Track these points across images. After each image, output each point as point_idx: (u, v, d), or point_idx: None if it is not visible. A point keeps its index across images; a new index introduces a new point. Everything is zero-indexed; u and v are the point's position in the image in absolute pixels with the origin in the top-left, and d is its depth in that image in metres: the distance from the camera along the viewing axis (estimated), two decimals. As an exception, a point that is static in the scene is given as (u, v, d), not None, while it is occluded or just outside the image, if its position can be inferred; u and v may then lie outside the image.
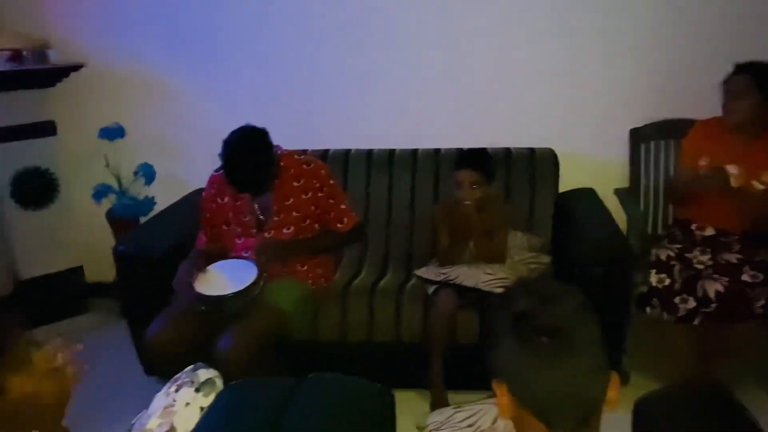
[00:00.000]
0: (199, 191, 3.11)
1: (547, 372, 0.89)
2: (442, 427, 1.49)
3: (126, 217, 3.13)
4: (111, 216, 3.19)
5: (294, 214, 2.37)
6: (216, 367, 1.68)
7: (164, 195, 3.16)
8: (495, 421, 1.43)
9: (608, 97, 2.96)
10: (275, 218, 2.37)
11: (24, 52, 2.81)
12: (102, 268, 3.35)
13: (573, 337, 0.90)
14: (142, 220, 3.17)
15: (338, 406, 1.33)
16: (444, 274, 2.39)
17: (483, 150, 2.56)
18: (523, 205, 2.82)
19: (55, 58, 2.88)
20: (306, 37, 3.04)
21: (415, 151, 2.99)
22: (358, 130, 3.10)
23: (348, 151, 3.02)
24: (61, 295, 3.11)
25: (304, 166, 2.39)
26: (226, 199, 2.42)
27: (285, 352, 2.41)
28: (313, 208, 2.38)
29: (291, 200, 2.36)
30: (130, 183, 3.18)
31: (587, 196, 2.87)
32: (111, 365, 2.84)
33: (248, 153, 2.19)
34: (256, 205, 2.39)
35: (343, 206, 2.44)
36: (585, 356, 0.90)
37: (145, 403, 2.52)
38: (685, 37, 2.85)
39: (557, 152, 2.88)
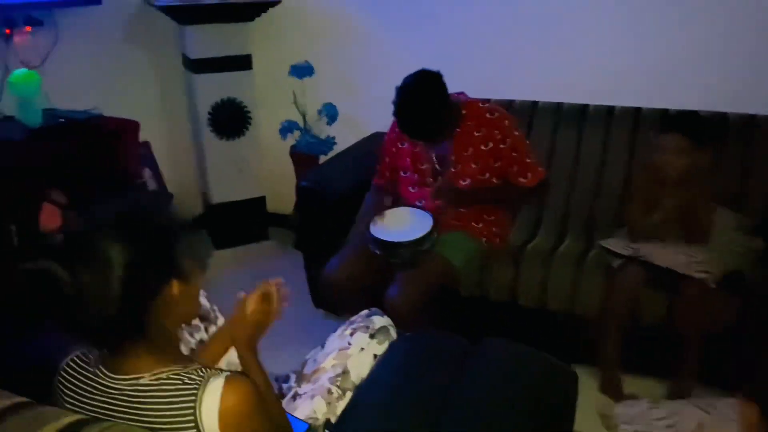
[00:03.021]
0: (377, 135, 3.12)
1: None
2: (635, 422, 1.33)
3: (307, 153, 3.21)
4: (294, 151, 3.29)
5: (472, 165, 2.26)
6: (386, 311, 1.67)
7: (344, 135, 3.20)
8: (701, 428, 1.25)
9: None
10: (452, 169, 2.28)
11: (229, -14, 2.92)
12: (282, 200, 3.51)
13: None
14: (322, 158, 3.24)
15: (518, 379, 1.23)
16: (633, 248, 2.16)
17: (694, 113, 2.24)
18: (734, 180, 2.46)
19: (256, -8, 2.97)
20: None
21: (611, 108, 2.71)
22: (548, 81, 2.87)
23: (535, 102, 2.82)
24: (244, 222, 3.29)
25: (487, 115, 2.25)
26: (405, 144, 2.36)
27: (453, 306, 2.36)
28: (492, 160, 2.25)
29: (470, 150, 2.25)
30: (314, 121, 3.24)
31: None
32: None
33: (420, 98, 2.10)
34: (433, 155, 2.31)
35: (528, 160, 2.28)
36: None
37: (309, 333, 2.64)
38: None
39: (786, 121, 2.45)
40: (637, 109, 2.67)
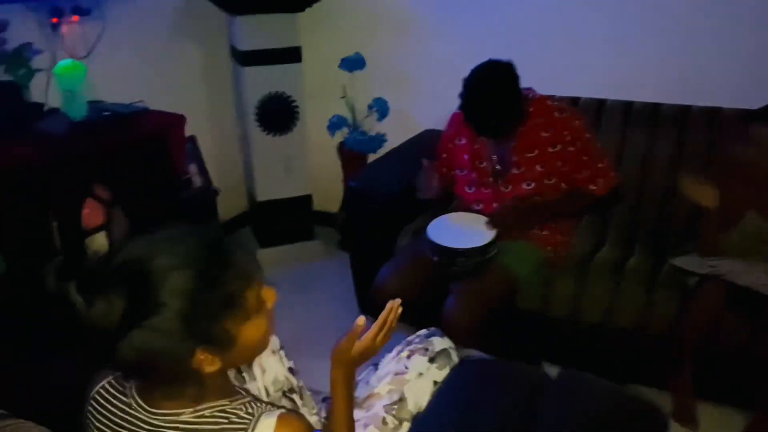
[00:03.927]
0: (429, 132, 2.98)
1: None
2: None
3: (356, 151, 3.08)
4: (342, 149, 3.17)
5: (537, 168, 2.09)
6: (441, 327, 1.53)
7: (394, 132, 3.06)
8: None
9: None
10: (515, 170, 2.11)
11: (280, -25, 2.80)
12: (329, 199, 3.41)
13: None
14: (371, 156, 3.11)
15: (602, 425, 1.07)
16: (711, 266, 1.95)
17: None
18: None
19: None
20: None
21: (687, 108, 2.50)
22: (615, 78, 2.67)
23: (603, 101, 2.63)
24: (290, 220, 3.19)
25: (556, 114, 2.07)
26: (463, 140, 2.21)
27: (507, 320, 2.20)
28: (560, 163, 2.08)
29: (535, 152, 2.08)
30: (363, 117, 3.11)
31: None
32: (328, 295, 2.90)
33: (491, 89, 1.94)
34: (494, 155, 2.15)
35: (600, 165, 2.09)
36: None
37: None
38: None
39: None
40: (716, 109, 2.46)
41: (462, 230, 2.03)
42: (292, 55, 2.93)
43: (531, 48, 2.69)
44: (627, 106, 2.58)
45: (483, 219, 2.08)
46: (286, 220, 3.19)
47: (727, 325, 1.96)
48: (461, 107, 1.99)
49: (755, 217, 1.93)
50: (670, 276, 2.12)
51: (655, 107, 2.54)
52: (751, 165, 1.90)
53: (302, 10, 2.90)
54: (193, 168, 2.74)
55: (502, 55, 1.99)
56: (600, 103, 2.62)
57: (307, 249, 3.25)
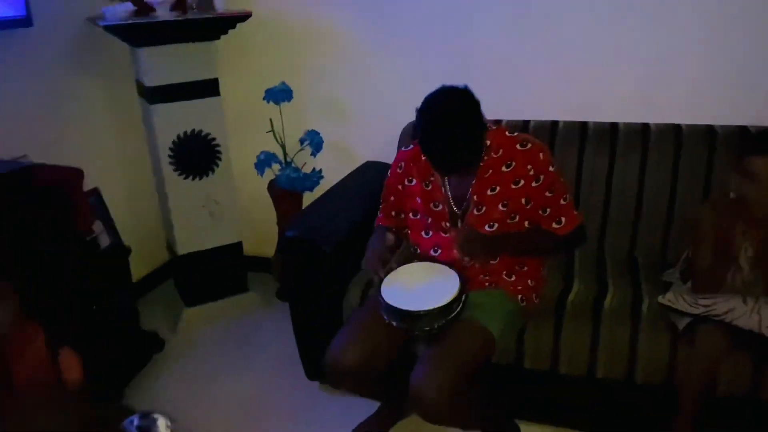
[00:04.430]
0: (371, 164, 2.69)
1: None
2: None
3: (290, 190, 2.75)
4: (273, 188, 2.84)
5: (500, 207, 1.83)
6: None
7: (332, 167, 2.76)
8: None
9: None
10: (475, 211, 1.85)
11: (189, 0, 2.46)
12: (262, 242, 3.09)
13: None
14: (307, 194, 2.79)
15: None
16: (705, 306, 1.74)
17: None
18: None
19: (221, 6, 2.51)
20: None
21: (645, 126, 2.32)
22: (567, 99, 2.48)
23: (556, 123, 2.42)
24: (219, 273, 2.82)
25: (518, 147, 1.82)
26: (414, 181, 1.93)
27: (481, 377, 1.92)
28: (523, 201, 1.83)
29: (497, 189, 1.82)
30: (295, 152, 2.79)
31: None
32: (270, 353, 2.59)
33: (451, 118, 1.65)
34: (449, 193, 1.88)
35: (563, 201, 1.85)
36: None
37: (303, 409, 2.20)
38: None
39: None
40: (677, 126, 2.29)
41: (421, 286, 1.74)
42: (208, 88, 2.58)
43: (476, 70, 2.46)
44: (582, 127, 2.38)
45: (443, 269, 1.80)
46: (215, 272, 2.82)
47: (727, 367, 1.75)
48: (419, 141, 1.71)
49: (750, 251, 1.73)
50: (655, 314, 1.90)
51: (613, 127, 2.35)
52: (749, 202, 1.70)
53: (217, 38, 2.57)
54: (98, 226, 2.33)
55: (445, 79, 1.72)
56: (553, 126, 2.41)
57: (241, 302, 2.89)
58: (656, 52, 2.35)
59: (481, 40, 2.53)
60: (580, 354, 1.90)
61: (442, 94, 1.69)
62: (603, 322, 1.90)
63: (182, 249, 2.73)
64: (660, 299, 1.87)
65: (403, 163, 1.95)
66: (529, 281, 1.92)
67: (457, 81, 1.73)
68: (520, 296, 1.88)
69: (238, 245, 2.86)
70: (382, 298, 1.71)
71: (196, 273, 2.78)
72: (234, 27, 2.56)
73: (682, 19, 2.29)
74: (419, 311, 1.65)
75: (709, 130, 2.24)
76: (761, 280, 1.73)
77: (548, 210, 1.85)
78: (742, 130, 2.21)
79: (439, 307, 1.65)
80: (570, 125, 2.40)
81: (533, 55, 2.49)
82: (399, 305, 1.67)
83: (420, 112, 1.69)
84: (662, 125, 2.31)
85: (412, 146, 1.96)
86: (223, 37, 2.59)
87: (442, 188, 1.89)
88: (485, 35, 2.52)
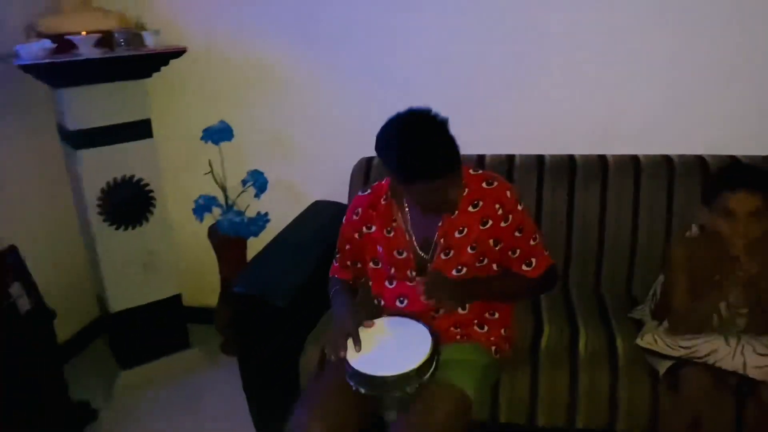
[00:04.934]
0: (321, 204, 2.54)
1: None
2: None
3: (233, 236, 2.56)
4: (215, 234, 2.63)
5: (468, 250, 1.71)
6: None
7: (278, 209, 2.60)
8: None
9: None
10: (442, 256, 1.72)
11: (116, 35, 2.26)
12: (204, 291, 2.88)
13: None
14: (252, 240, 2.60)
15: None
16: (686, 348, 1.66)
17: (741, 163, 1.83)
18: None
19: (151, 41, 2.31)
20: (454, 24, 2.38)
21: (602, 158, 2.27)
22: (523, 132, 2.41)
23: (512, 157, 2.34)
24: (157, 330, 2.58)
25: (484, 185, 1.71)
26: (374, 228, 1.78)
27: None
28: (492, 242, 1.71)
29: (465, 231, 1.70)
30: (237, 194, 2.60)
31: None
32: (219, 413, 2.39)
33: (429, 125, 1.53)
34: (414, 238, 1.75)
35: (533, 242, 1.75)
36: None
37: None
38: None
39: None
40: (633, 157, 2.25)
41: (389, 345, 1.58)
42: (140, 130, 2.38)
43: (424, 102, 2.35)
44: (539, 160, 2.31)
45: (411, 323, 1.65)
46: (152, 329, 2.57)
47: (709, 408, 1.65)
48: (397, 155, 1.53)
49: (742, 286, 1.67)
50: (632, 357, 1.81)
51: (571, 159, 2.29)
52: (725, 239, 1.63)
53: (149, 75, 2.37)
54: (16, 288, 2.07)
55: (392, 111, 1.59)
56: (509, 159, 2.33)
57: (183, 360, 2.66)
58: (611, 82, 2.31)
59: (428, 70, 2.43)
60: (559, 404, 1.78)
61: (410, 112, 1.56)
62: (581, 369, 1.79)
63: (115, 306, 2.48)
64: (639, 342, 1.78)
65: (360, 209, 1.81)
66: (502, 330, 1.80)
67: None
68: (493, 348, 1.75)
69: (177, 298, 2.63)
70: (348, 363, 1.54)
71: (131, 331, 2.54)
72: (167, 64, 2.37)
73: (635, 49, 2.26)
74: (391, 375, 1.48)
75: (666, 159, 2.21)
76: (741, 319, 1.66)
77: (518, 251, 1.74)
78: (699, 159, 2.19)
79: (413, 369, 1.50)
80: (526, 159, 2.32)
81: (485, 86, 2.41)
82: (367, 370, 1.50)
83: (388, 134, 1.55)
84: (619, 156, 2.27)
85: (369, 191, 1.82)
86: (155, 74, 2.39)
87: (406, 234, 1.75)
88: (433, 65, 2.43)
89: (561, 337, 1.95)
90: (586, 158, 2.28)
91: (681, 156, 2.21)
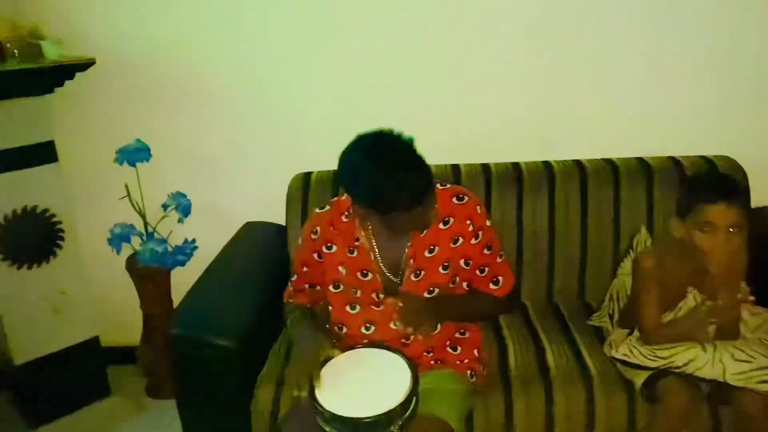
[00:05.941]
0: (253, 225, 2.34)
1: None
2: None
3: (156, 266, 2.30)
4: (134, 266, 2.36)
5: (440, 270, 1.60)
6: None
7: (206, 234, 2.38)
8: None
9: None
10: (412, 277, 1.60)
11: (8, 45, 1.95)
12: (123, 329, 2.59)
13: None
14: (178, 270, 2.36)
15: None
16: (664, 359, 1.63)
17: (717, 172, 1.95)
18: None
19: (53, 52, 2.02)
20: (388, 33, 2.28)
21: (547, 164, 2.24)
22: (468, 142, 2.35)
23: (456, 166, 2.25)
24: (70, 380, 2.27)
25: (454, 201, 1.61)
26: (335, 247, 1.63)
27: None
28: (462, 262, 1.61)
29: (436, 250, 1.59)
30: (158, 220, 2.35)
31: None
32: None
33: (400, 146, 1.41)
34: (380, 259, 1.61)
35: (499, 259, 1.67)
36: None
37: None
38: None
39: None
40: (577, 162, 2.24)
41: (364, 380, 1.43)
42: (42, 153, 2.09)
43: (362, 113, 2.23)
44: (485, 169, 2.25)
45: (383, 353, 1.50)
46: (66, 379, 2.26)
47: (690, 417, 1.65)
48: (373, 195, 1.40)
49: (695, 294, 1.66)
50: (604, 370, 1.76)
51: (516, 165, 2.24)
52: (702, 251, 1.59)
53: (50, 91, 2.08)
54: None
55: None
56: (454, 169, 2.25)
57: (103, 411, 2.38)
58: (550, 86, 2.30)
59: (365, 79, 2.31)
60: (536, 426, 1.71)
61: (374, 135, 1.42)
62: (555, 388, 1.72)
63: (20, 357, 2.16)
64: (613, 353, 1.74)
65: (318, 228, 1.64)
66: (475, 351, 1.70)
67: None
68: (469, 372, 1.65)
69: (94, 341, 2.34)
70: (320, 406, 1.37)
71: (41, 384, 2.22)
72: (71, 77, 2.09)
73: (574, 54, 2.26)
74: (375, 416, 1.33)
75: (609, 163, 2.22)
76: (712, 326, 1.65)
77: (486, 270, 1.65)
78: (640, 161, 2.21)
79: (397, 406, 1.35)
80: (472, 168, 2.25)
81: (423, 96, 2.32)
82: (347, 412, 1.34)
83: (355, 157, 1.40)
84: (563, 162, 2.25)
85: (327, 207, 1.66)
86: (57, 90, 2.10)
87: (371, 253, 1.61)
88: (370, 73, 2.31)
89: (527, 356, 1.87)
90: (531, 165, 2.24)
91: (621, 159, 2.22)
